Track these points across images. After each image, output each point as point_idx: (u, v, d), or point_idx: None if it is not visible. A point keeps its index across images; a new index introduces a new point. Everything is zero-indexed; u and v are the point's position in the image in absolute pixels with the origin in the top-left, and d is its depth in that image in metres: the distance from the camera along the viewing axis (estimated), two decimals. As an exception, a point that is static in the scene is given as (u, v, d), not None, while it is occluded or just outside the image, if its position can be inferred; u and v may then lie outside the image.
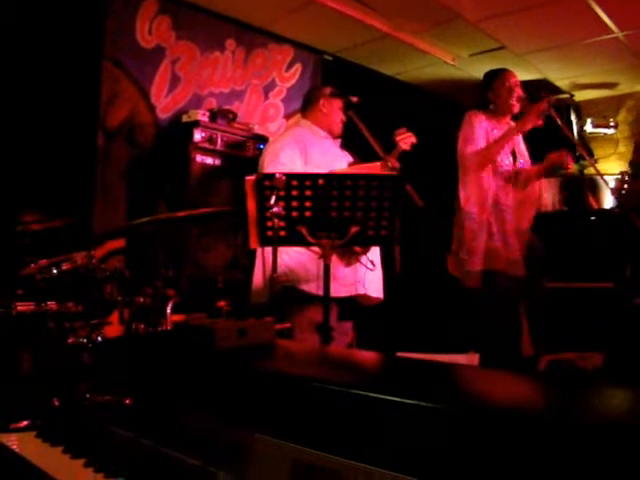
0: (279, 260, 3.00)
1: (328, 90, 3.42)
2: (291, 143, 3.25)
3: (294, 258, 3.09)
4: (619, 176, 4.34)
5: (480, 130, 3.58)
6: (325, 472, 0.97)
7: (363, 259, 3.20)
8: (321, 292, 2.99)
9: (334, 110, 3.39)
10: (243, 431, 1.11)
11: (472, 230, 3.50)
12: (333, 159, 3.31)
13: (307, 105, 3.51)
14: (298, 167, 3.12)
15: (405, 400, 0.94)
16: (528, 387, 1.25)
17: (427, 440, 0.92)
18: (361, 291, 3.25)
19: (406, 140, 3.16)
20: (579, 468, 0.81)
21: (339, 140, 3.49)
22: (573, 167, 5.98)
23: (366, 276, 3.26)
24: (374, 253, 3.27)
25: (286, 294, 2.94)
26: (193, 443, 1.21)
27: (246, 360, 1.31)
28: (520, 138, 3.77)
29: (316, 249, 2.83)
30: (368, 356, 1.51)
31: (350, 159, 3.41)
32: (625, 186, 4.20)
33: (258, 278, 3.24)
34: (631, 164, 6.17)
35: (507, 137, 3.56)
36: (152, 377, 1.48)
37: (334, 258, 2.86)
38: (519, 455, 0.85)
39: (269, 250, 3.08)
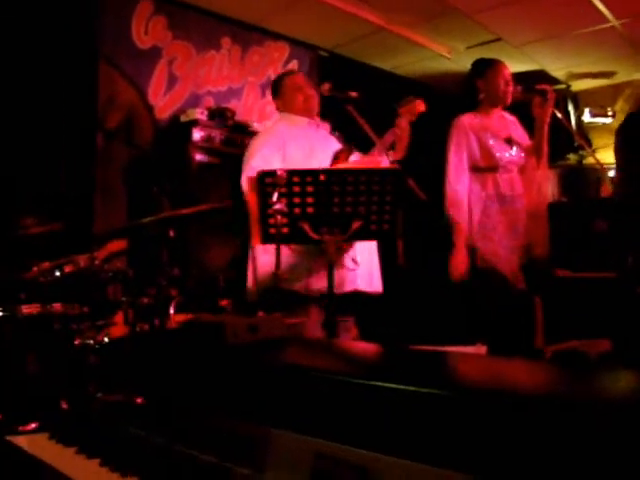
0: (265, 259, 3.00)
1: (289, 79, 3.42)
2: (265, 145, 3.20)
3: (289, 254, 3.05)
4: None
5: (466, 141, 3.61)
6: (348, 465, 0.96)
7: (346, 257, 3.14)
8: (308, 291, 3.01)
9: (291, 92, 3.36)
10: (258, 426, 1.11)
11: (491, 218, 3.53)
12: (315, 146, 3.24)
13: (277, 95, 3.47)
14: (275, 166, 3.01)
15: (421, 389, 0.95)
16: (531, 373, 1.26)
17: (447, 428, 0.92)
18: (348, 288, 3.20)
19: (411, 110, 3.15)
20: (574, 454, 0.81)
21: (327, 125, 3.43)
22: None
23: (356, 273, 3.21)
24: (362, 250, 3.22)
25: (276, 293, 2.91)
26: (207, 440, 1.21)
27: (258, 355, 1.31)
28: (516, 122, 3.76)
29: (296, 246, 2.82)
30: (380, 348, 1.51)
31: (336, 144, 3.35)
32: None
33: (250, 277, 3.24)
34: None
35: (543, 133, 3.55)
36: (163, 375, 1.48)
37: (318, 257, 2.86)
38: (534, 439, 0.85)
39: (259, 249, 3.09)
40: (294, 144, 3.21)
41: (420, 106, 3.23)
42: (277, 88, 3.47)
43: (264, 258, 3.05)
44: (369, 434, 0.99)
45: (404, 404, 0.97)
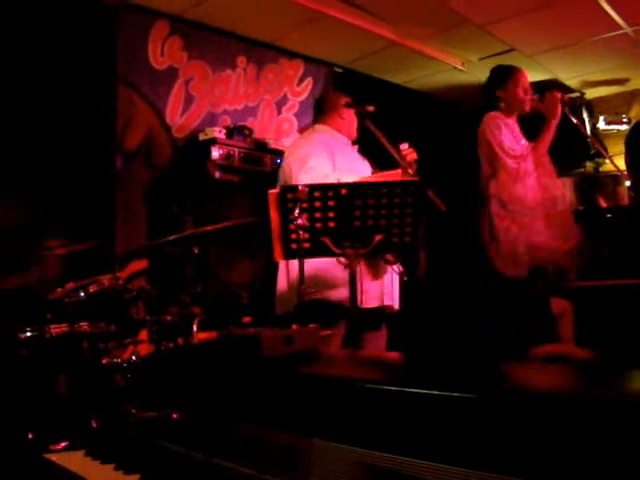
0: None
1: (342, 98, 3.43)
2: (318, 147, 3.22)
3: (319, 266, 3.05)
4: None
5: (511, 131, 3.63)
6: (390, 473, 0.97)
7: (395, 268, 3.19)
8: (347, 301, 3.00)
9: (352, 116, 3.39)
10: (297, 437, 1.12)
11: (532, 224, 3.53)
12: (357, 164, 3.31)
13: (324, 112, 3.48)
14: (328, 171, 3.08)
15: (453, 394, 0.95)
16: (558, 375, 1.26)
17: (483, 432, 0.93)
18: (387, 302, 3.24)
19: (409, 156, 3.17)
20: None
21: (357, 146, 3.50)
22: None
23: (393, 287, 3.25)
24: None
25: (313, 305, 2.93)
26: (246, 453, 1.22)
27: (296, 366, 1.32)
28: (514, 123, 3.78)
29: (343, 259, 2.83)
30: (412, 357, 1.52)
31: (368, 165, 3.41)
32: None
33: (282, 287, 3.23)
34: None
35: (550, 131, 3.58)
36: (198, 390, 1.49)
37: (363, 269, 2.85)
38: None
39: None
40: (341, 155, 3.25)
41: (414, 155, 3.21)
42: (336, 105, 3.44)
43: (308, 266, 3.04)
44: (408, 440, 1.00)
45: (439, 409, 0.98)
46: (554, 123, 3.57)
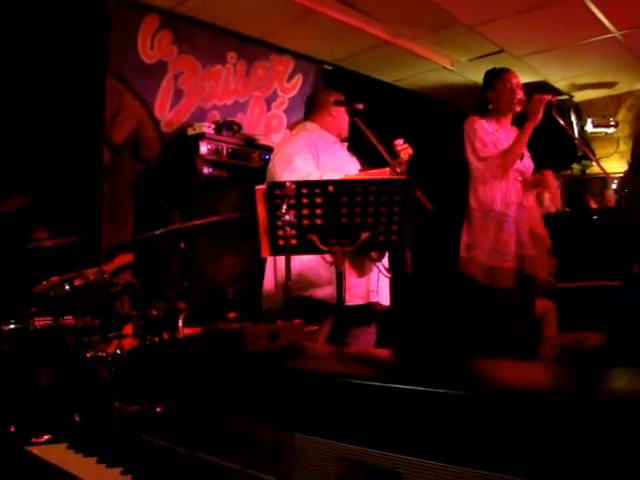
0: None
1: (332, 96, 3.43)
2: (303, 147, 3.22)
3: (305, 264, 3.07)
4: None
5: (485, 135, 3.60)
6: (372, 468, 0.97)
7: (380, 266, 3.20)
8: (334, 299, 3.01)
9: (343, 114, 3.39)
10: (281, 432, 1.13)
11: (503, 230, 3.54)
12: (343, 163, 3.31)
13: (314, 109, 3.48)
14: (312, 171, 3.09)
15: (435, 390, 0.96)
16: (535, 372, 1.27)
17: (469, 429, 0.93)
18: (374, 299, 3.25)
19: (404, 151, 3.17)
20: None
21: (346, 144, 3.50)
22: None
23: (379, 284, 3.26)
24: (385, 260, 3.27)
25: (299, 302, 2.94)
26: (229, 447, 1.22)
27: (280, 361, 1.32)
28: (500, 126, 3.77)
29: (328, 256, 2.83)
30: (398, 353, 1.52)
31: (357, 164, 3.42)
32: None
33: (270, 284, 3.23)
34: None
35: (525, 135, 3.55)
36: (183, 384, 1.49)
37: (347, 267, 2.85)
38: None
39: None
40: (327, 154, 3.25)
41: (409, 150, 3.22)
42: (326, 103, 3.44)
43: (295, 264, 3.04)
44: (391, 436, 1.01)
45: (423, 405, 0.99)
46: (530, 128, 3.52)
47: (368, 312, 3.27)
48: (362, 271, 3.18)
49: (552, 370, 1.36)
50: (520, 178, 3.65)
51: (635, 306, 3.52)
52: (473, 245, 3.59)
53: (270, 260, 3.22)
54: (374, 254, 3.11)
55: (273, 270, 3.20)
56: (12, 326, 2.36)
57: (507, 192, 3.58)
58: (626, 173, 4.62)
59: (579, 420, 0.86)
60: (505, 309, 3.48)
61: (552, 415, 0.88)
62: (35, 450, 1.63)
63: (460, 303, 3.74)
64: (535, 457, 0.87)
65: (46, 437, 1.90)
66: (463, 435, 0.93)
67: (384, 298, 3.32)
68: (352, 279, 3.08)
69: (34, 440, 1.88)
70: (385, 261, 3.23)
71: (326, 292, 3.06)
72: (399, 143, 3.15)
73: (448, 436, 0.95)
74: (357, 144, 3.41)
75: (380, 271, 3.18)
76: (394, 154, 3.10)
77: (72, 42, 3.94)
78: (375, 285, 3.23)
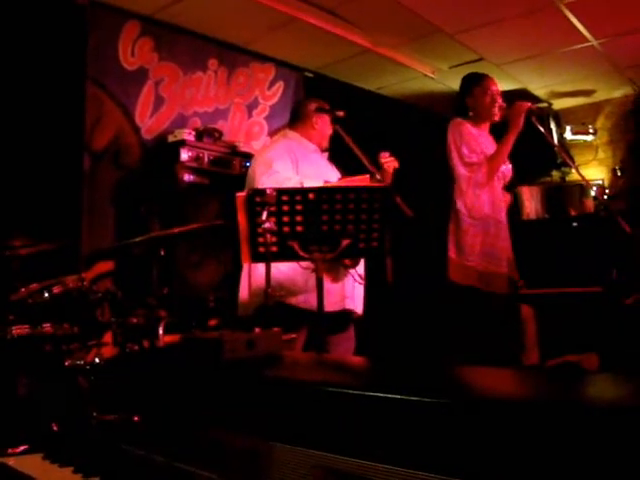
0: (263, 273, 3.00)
1: (315, 105, 3.43)
2: (282, 153, 3.23)
3: (282, 271, 3.06)
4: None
5: (472, 139, 3.59)
6: (348, 476, 0.97)
7: (353, 273, 3.20)
8: (308, 306, 3.01)
9: (325, 124, 3.40)
10: (257, 440, 1.12)
11: (499, 235, 3.55)
12: (323, 171, 3.31)
13: (297, 118, 3.49)
14: (291, 176, 3.09)
15: (411, 398, 0.96)
16: (524, 380, 1.28)
17: (443, 436, 0.94)
18: (349, 306, 3.24)
19: (389, 164, 3.18)
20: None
21: (326, 154, 3.51)
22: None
23: (354, 291, 3.25)
24: (361, 268, 3.26)
25: (274, 309, 2.92)
26: (206, 456, 1.21)
27: (257, 370, 1.32)
28: (481, 132, 3.77)
29: (305, 263, 2.83)
30: (376, 361, 1.52)
31: (337, 173, 3.42)
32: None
33: (244, 291, 3.23)
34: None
35: (508, 142, 3.53)
36: (160, 393, 1.48)
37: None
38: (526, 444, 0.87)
39: (255, 264, 3.08)
40: (306, 163, 3.26)
41: (395, 163, 3.22)
42: (309, 113, 3.44)
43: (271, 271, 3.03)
44: (367, 444, 1.01)
45: (399, 413, 0.99)
46: (513, 134, 3.52)
47: (343, 319, 3.28)
48: (336, 277, 3.17)
49: (529, 377, 1.37)
50: (501, 185, 3.67)
51: (616, 310, 3.55)
52: (463, 249, 3.56)
53: (245, 268, 3.22)
54: (347, 261, 3.11)
55: (248, 278, 3.19)
56: (-11, 334, 2.33)
57: (495, 196, 3.59)
58: None
59: (559, 427, 0.86)
60: (495, 314, 3.48)
61: (528, 422, 0.89)
62: (10, 461, 1.61)
63: (445, 309, 3.74)
64: (511, 465, 0.88)
65: (22, 447, 1.88)
66: (437, 443, 0.94)
67: (358, 306, 3.31)
68: (326, 285, 3.07)
69: (10, 451, 1.86)
70: (361, 269, 3.24)
71: (299, 299, 3.07)
72: (385, 156, 3.17)
73: (422, 444, 0.95)
74: (337, 154, 3.42)
75: (354, 278, 3.19)
76: (377, 165, 3.10)
77: (50, 48, 3.92)
78: (350, 292, 3.23)
